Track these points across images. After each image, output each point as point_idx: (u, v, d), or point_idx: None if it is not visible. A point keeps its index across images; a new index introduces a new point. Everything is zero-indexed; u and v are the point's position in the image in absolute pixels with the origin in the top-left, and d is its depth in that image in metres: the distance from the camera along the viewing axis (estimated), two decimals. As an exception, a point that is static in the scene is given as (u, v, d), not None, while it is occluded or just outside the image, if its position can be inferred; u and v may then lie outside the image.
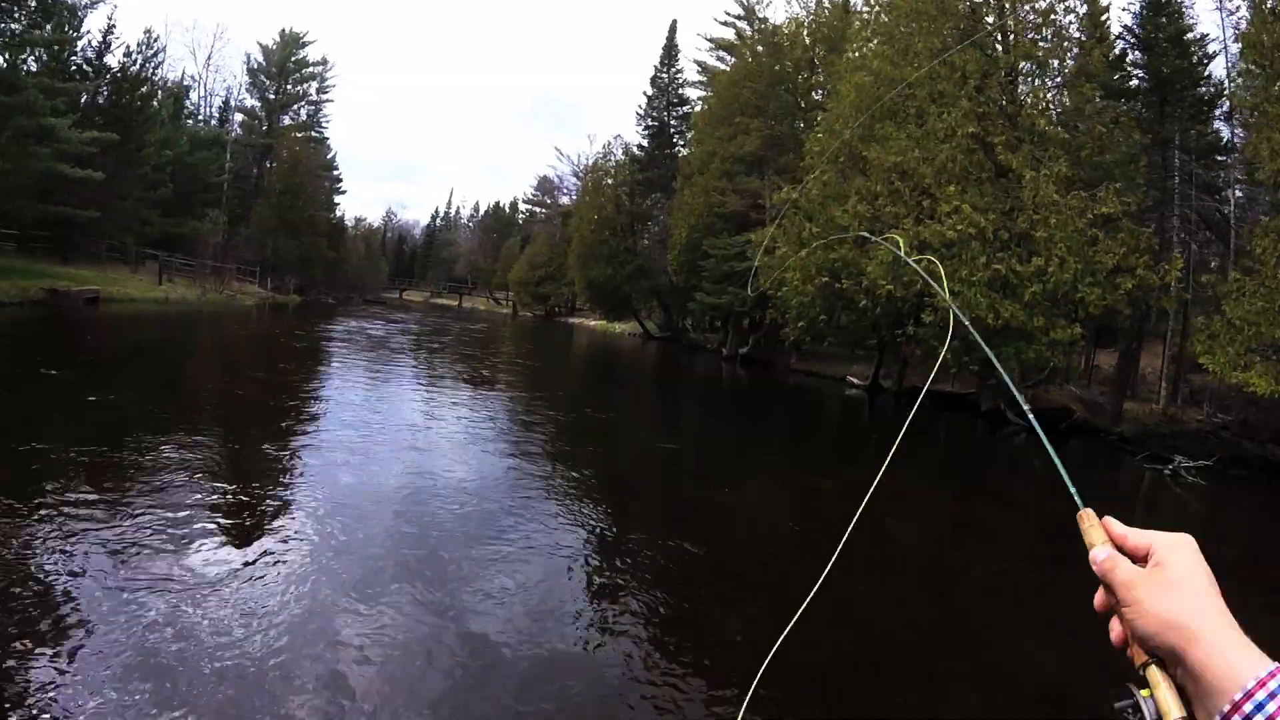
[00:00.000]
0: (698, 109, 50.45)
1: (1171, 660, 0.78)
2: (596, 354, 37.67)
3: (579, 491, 8.77)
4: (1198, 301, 23.37)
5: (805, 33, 38.41)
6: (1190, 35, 25.26)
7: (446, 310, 75.24)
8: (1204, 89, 25.82)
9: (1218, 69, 26.85)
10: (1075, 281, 19.35)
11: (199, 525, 6.25)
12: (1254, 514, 15.08)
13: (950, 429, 22.36)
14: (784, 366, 36.86)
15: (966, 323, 1.29)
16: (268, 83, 65.43)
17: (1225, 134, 26.49)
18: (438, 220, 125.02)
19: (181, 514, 6.46)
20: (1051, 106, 22.57)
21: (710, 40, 56.20)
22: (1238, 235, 23.59)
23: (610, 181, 55.02)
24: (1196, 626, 0.77)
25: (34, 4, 31.69)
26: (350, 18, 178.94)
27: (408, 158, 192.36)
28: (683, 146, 54.75)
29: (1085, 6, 23.38)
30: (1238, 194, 26.24)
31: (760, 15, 49.48)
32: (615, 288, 52.83)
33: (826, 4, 39.08)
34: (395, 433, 10.83)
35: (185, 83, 58.08)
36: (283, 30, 66.58)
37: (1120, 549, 0.89)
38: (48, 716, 3.55)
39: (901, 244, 1.94)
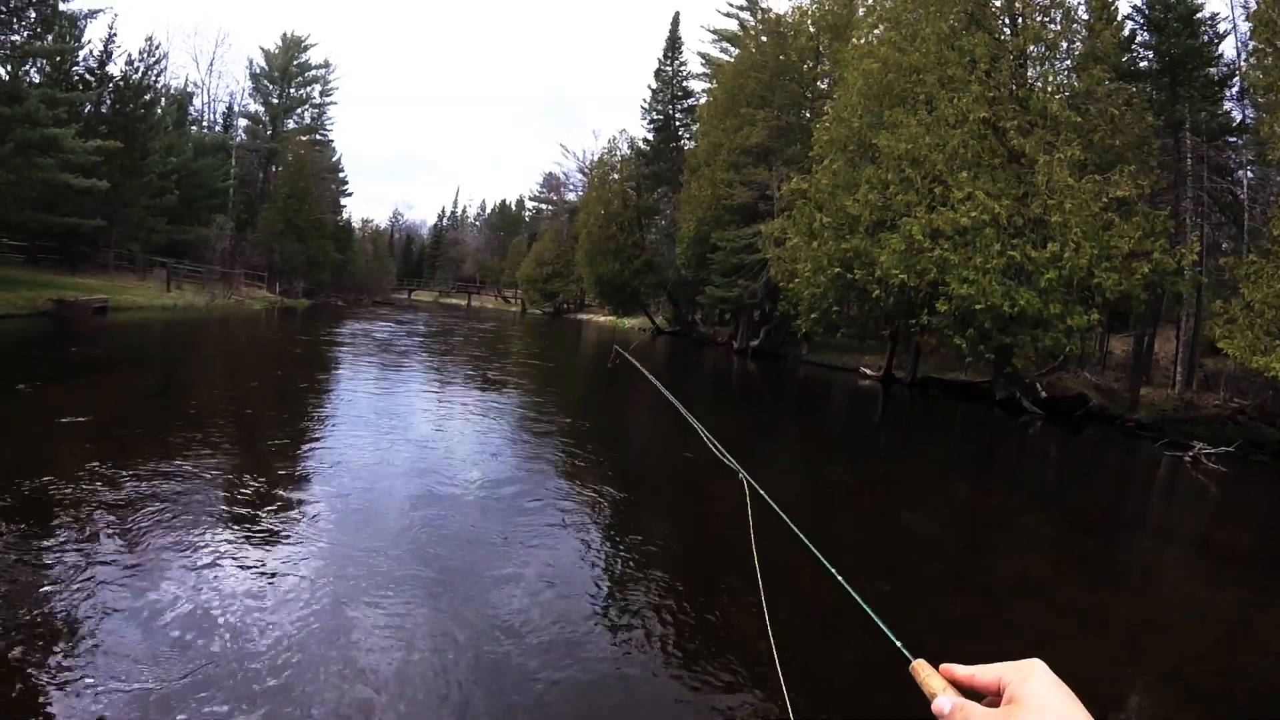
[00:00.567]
0: (703, 101, 50.18)
1: None
2: (605, 350, 37.51)
3: (592, 491, 8.63)
4: (1213, 285, 23.15)
5: (809, 21, 38.20)
6: (1200, 15, 24.95)
7: (455, 310, 75.25)
8: (1214, 69, 25.54)
9: (1228, 49, 26.62)
10: (1091, 267, 19.15)
11: (211, 532, 6.14)
12: (1275, 499, 14.88)
13: (966, 419, 22.18)
14: (796, 358, 36.73)
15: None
16: (271, 87, 65.45)
17: (1237, 115, 26.19)
18: (444, 219, 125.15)
19: (191, 519, 6.37)
20: (1062, 90, 22.33)
21: (713, 32, 56.06)
22: (1251, 217, 23.33)
23: (616, 176, 54.93)
24: None
25: (34, 15, 31.68)
26: (350, 19, 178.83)
27: (412, 157, 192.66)
28: (688, 139, 54.59)
29: (1093, -12, 23.15)
30: (1250, 175, 25.99)
31: (764, 5, 49.36)
32: (624, 283, 52.75)
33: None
34: (406, 437, 10.69)
35: (188, 89, 58.41)
36: (284, 34, 66.62)
37: (967, 690, 0.83)
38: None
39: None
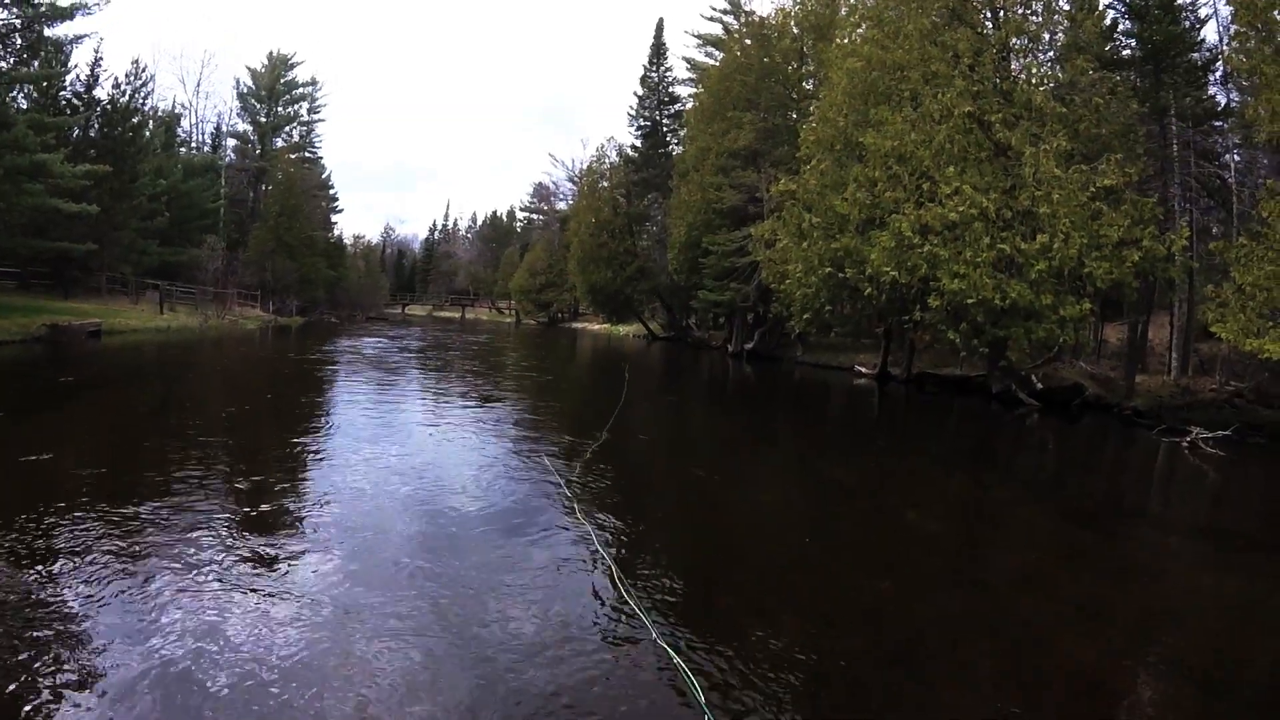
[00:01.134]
0: (689, 106, 50.33)
1: None
2: (600, 358, 37.55)
3: (593, 497, 8.61)
4: (1204, 269, 23.20)
5: (793, 23, 38.23)
6: (1181, 1, 25.04)
7: (449, 323, 75.24)
8: (1197, 55, 25.62)
9: (1210, 33, 26.69)
10: (1081, 256, 19.17)
11: (211, 549, 6.15)
12: (1274, 481, 14.87)
13: (963, 413, 22.19)
14: (791, 359, 36.73)
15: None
16: (258, 106, 65.65)
17: (1221, 99, 26.30)
18: (436, 233, 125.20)
19: (192, 536, 6.39)
20: (1046, 81, 22.40)
21: (698, 37, 56.29)
22: (1239, 200, 23.40)
23: (605, 184, 55.07)
24: None
25: (20, 42, 31.68)
26: (342, 32, 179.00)
27: (402, 171, 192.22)
28: (676, 145, 54.61)
29: (1074, -22, 23.23)
30: (1237, 158, 26.08)
31: (747, 8, 49.51)
32: (616, 290, 52.73)
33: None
34: (401, 452, 10.68)
35: (176, 111, 58.44)
36: (270, 53, 66.85)
37: None
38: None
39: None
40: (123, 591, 5.27)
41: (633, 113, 57.73)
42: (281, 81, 66.51)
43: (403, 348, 33.08)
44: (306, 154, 68.79)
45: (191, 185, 49.76)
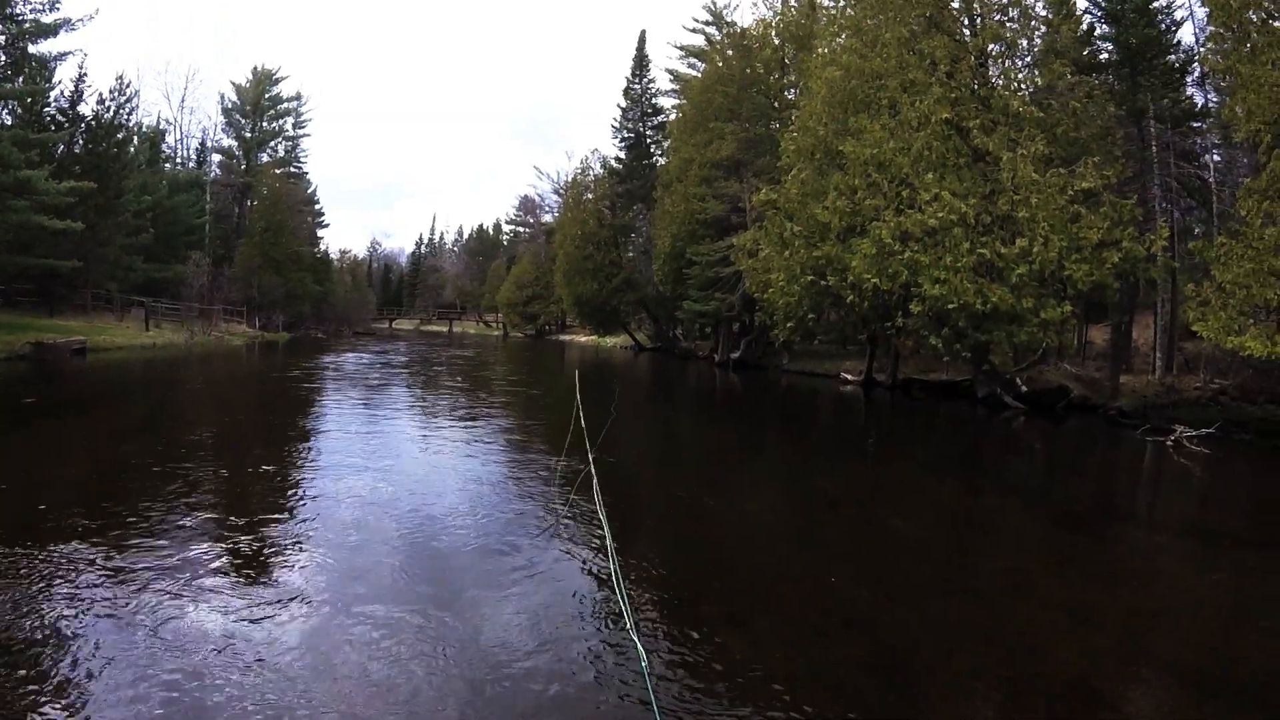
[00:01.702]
0: (672, 118, 50.49)
1: None
2: (588, 370, 37.42)
3: (580, 511, 8.56)
4: (1186, 269, 23.35)
5: (774, 33, 38.45)
6: (1156, 4, 25.32)
7: (437, 337, 75.06)
8: (1174, 56, 25.89)
9: (1186, 35, 26.94)
10: (1061, 259, 19.29)
11: (200, 569, 6.09)
12: (1259, 477, 14.95)
13: (949, 418, 22.25)
14: (777, 368, 36.74)
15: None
16: (243, 121, 65.60)
17: (1199, 100, 26.55)
18: (422, 247, 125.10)
19: (182, 555, 6.33)
20: (1024, 86, 22.58)
21: (681, 48, 56.43)
22: (1219, 199, 23.59)
23: (590, 196, 55.24)
24: None
25: (4, 59, 31.71)
26: (324, 49, 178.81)
27: (387, 185, 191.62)
28: (660, 156, 54.75)
29: (1050, -16, 23.41)
30: (1216, 158, 26.31)
31: (729, 20, 49.78)
32: (603, 301, 52.86)
33: (793, 2, 39.14)
34: (388, 466, 10.65)
35: (160, 126, 58.25)
36: (255, 68, 66.86)
37: None
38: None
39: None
40: (109, 613, 5.25)
41: (616, 125, 57.88)
42: (266, 96, 66.48)
43: (390, 363, 32.97)
44: (292, 169, 68.74)
45: (177, 201, 49.68)
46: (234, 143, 65.53)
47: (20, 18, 31.15)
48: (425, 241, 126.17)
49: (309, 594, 5.71)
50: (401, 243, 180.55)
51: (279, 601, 5.55)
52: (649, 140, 56.76)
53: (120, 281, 41.50)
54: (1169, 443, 16.32)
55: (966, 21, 23.19)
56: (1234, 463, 15.53)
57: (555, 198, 70.70)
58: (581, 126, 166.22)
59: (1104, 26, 26.10)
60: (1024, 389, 22.98)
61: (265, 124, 67.07)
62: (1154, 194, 23.70)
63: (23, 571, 5.81)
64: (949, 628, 6.01)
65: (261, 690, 4.27)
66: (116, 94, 40.60)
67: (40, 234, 32.04)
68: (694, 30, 54.95)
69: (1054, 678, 5.10)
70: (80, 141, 38.81)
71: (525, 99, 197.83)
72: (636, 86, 56.73)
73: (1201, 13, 23.00)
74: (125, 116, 42.13)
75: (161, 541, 6.67)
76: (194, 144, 63.39)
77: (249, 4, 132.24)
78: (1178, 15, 25.95)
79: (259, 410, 18.00)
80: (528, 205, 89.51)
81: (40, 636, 4.76)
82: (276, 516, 7.79)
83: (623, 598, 5.49)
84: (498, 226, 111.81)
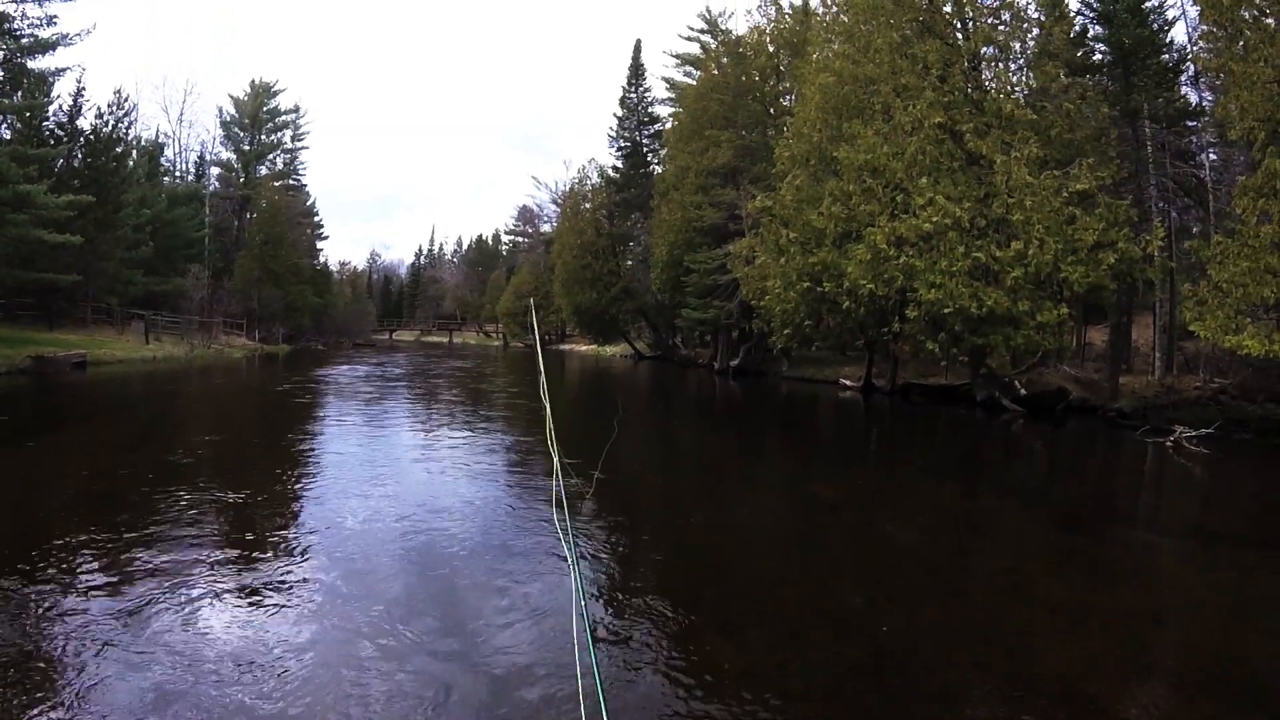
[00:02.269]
0: (669, 126, 50.53)
1: None
2: (588, 380, 37.45)
3: (580, 521, 8.49)
4: (1183, 269, 23.36)
5: (768, 40, 38.58)
6: (1148, 3, 25.40)
7: (437, 348, 74.88)
8: (1167, 56, 25.95)
9: (1179, 35, 27.00)
10: (1057, 261, 19.26)
11: (202, 580, 6.10)
12: (1259, 476, 14.91)
13: (948, 422, 22.21)
14: (776, 375, 36.77)
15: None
16: (241, 134, 65.72)
17: (1193, 98, 26.63)
18: (422, 258, 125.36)
19: (181, 568, 6.33)
20: (1017, 89, 22.60)
21: (676, 56, 56.60)
22: (1216, 198, 23.60)
23: (588, 206, 55.16)
24: None
25: (2, 74, 31.75)
26: (311, 65, 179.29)
27: (386, 197, 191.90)
28: (657, 164, 54.75)
29: (1042, -13, 23.46)
30: (1212, 157, 26.35)
31: (724, 27, 49.87)
32: (602, 310, 52.85)
33: (788, 10, 39.28)
34: (388, 478, 10.58)
35: (159, 140, 58.26)
36: (253, 81, 67.01)
37: None
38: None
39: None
40: (112, 625, 5.23)
41: (613, 134, 57.87)
42: (264, 109, 66.58)
43: (392, 375, 32.85)
44: (290, 181, 68.84)
45: (176, 214, 49.66)
46: (232, 155, 65.64)
47: (18, 33, 31.15)
48: (425, 252, 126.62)
49: (305, 620, 5.68)
50: (401, 254, 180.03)
51: (277, 619, 5.55)
52: (646, 149, 56.81)
53: (120, 295, 41.50)
54: (1169, 443, 16.29)
55: (959, 25, 23.24)
56: (1234, 462, 15.49)
57: (554, 207, 70.60)
58: (577, 136, 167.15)
59: (1096, 27, 26.20)
60: (1023, 392, 22.97)
61: (263, 136, 67.16)
62: (1150, 194, 23.71)
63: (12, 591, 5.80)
64: (948, 630, 5.97)
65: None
66: (115, 108, 40.65)
67: (40, 248, 32.09)
68: (689, 38, 55.14)
69: (1053, 679, 5.04)
70: (79, 156, 38.83)
71: (521, 111, 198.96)
72: (633, 95, 56.81)
73: (1194, 11, 23.19)
74: (124, 130, 42.15)
75: (154, 559, 6.65)
76: (193, 157, 63.53)
77: (248, 5, 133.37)
78: (1170, 15, 26.18)
79: (258, 424, 17.95)
80: (526, 215, 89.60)
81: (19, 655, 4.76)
82: (271, 539, 7.70)
83: (583, 617, 5.47)
84: (497, 237, 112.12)
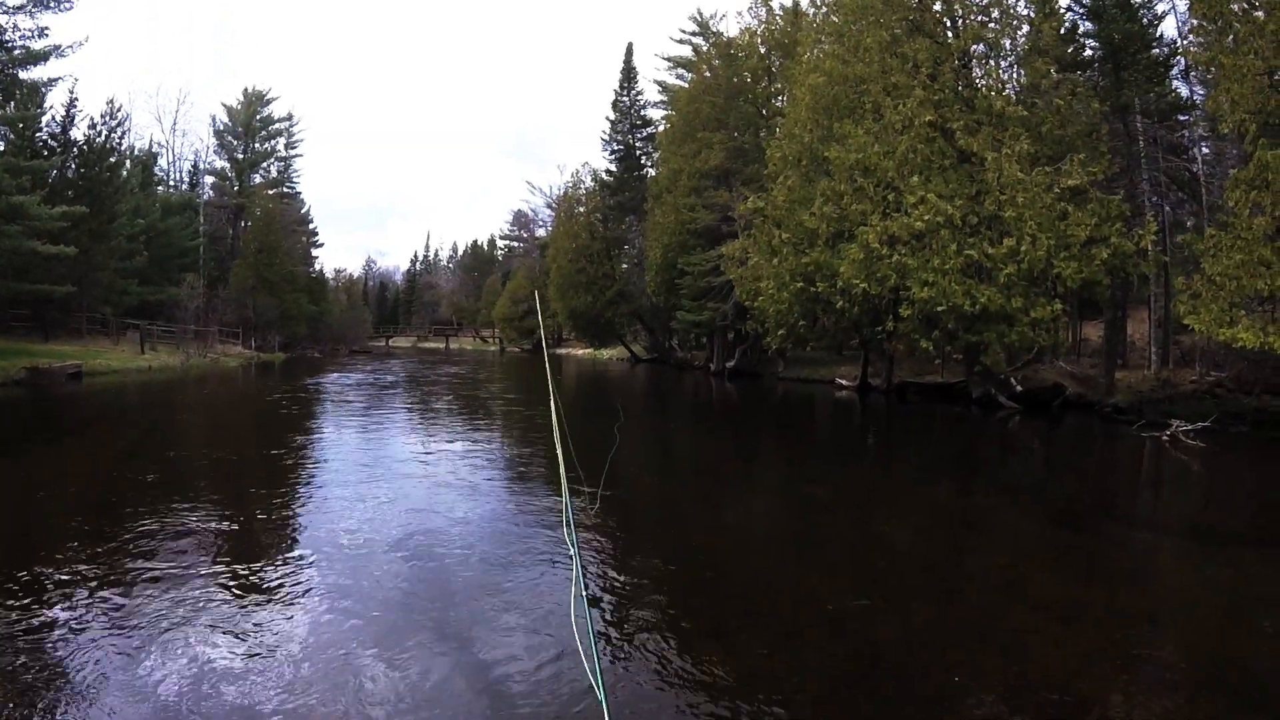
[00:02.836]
0: (661, 129, 50.55)
1: None
2: (585, 384, 37.39)
3: (582, 529, 8.46)
4: (1177, 263, 23.37)
5: (759, 41, 38.62)
6: (1137, -1, 25.46)
7: (434, 354, 74.76)
8: (1157, 50, 25.97)
9: (1168, 29, 27.00)
10: (1049, 258, 19.24)
11: (203, 588, 6.09)
12: (1255, 470, 14.88)
13: (944, 420, 22.19)
14: (772, 376, 36.79)
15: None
16: (235, 143, 65.61)
17: (1184, 92, 26.67)
18: (417, 264, 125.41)
19: (176, 579, 6.30)
20: (1007, 86, 22.62)
21: (668, 59, 56.48)
22: (1208, 192, 23.62)
23: (582, 209, 55.15)
24: None
25: (-7, 88, 31.80)
26: (304, 72, 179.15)
27: (380, 204, 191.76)
28: (650, 167, 54.85)
29: (1031, -16, 23.47)
30: (1205, 151, 26.38)
31: (716, 30, 49.89)
32: (597, 314, 52.76)
33: (778, 11, 39.33)
34: (387, 488, 10.53)
35: (153, 149, 58.26)
36: (246, 89, 66.90)
37: None
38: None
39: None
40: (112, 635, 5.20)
41: (606, 137, 57.88)
42: (258, 118, 66.47)
43: (387, 383, 32.77)
44: (285, 189, 68.83)
45: (170, 224, 49.65)
46: (226, 164, 65.48)
47: (10, 44, 31.16)
48: (420, 259, 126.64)
49: (304, 627, 5.65)
50: (397, 261, 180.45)
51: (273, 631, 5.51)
52: (639, 152, 56.85)
53: (115, 305, 41.50)
54: (1165, 437, 16.31)
55: (948, 23, 23.25)
56: (1230, 455, 15.45)
57: (549, 212, 70.76)
58: (571, 143, 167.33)
59: (1086, 23, 26.26)
60: (1019, 388, 22.97)
61: (257, 145, 67.07)
62: (1142, 189, 23.72)
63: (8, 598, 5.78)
64: (943, 629, 5.94)
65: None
66: (108, 118, 40.57)
67: (34, 259, 31.98)
68: (681, 41, 55.07)
69: (1048, 679, 5.02)
70: (72, 166, 38.77)
71: (514, 117, 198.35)
72: (625, 99, 56.82)
73: (1183, 5, 23.20)
74: (117, 141, 42.01)
75: (149, 570, 6.62)
76: (186, 166, 63.56)
77: (248, 5, 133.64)
78: (1159, 9, 26.13)
79: (253, 433, 17.88)
80: (521, 220, 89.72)
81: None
82: (268, 545, 7.69)
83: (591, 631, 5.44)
84: (492, 242, 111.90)
